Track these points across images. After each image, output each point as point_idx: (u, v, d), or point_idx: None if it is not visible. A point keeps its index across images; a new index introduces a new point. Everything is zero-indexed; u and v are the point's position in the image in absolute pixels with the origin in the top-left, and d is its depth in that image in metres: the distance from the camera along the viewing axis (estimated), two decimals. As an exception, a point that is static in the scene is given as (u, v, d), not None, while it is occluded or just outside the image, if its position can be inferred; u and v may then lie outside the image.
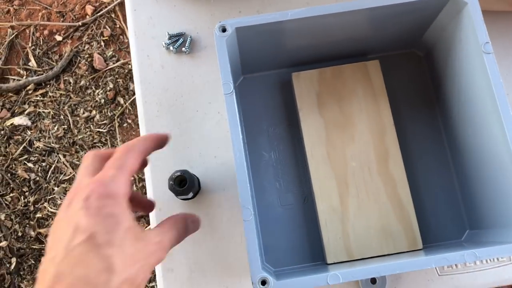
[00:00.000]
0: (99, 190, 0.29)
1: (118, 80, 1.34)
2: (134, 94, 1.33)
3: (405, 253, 0.42)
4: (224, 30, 0.39)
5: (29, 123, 1.32)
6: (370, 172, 0.44)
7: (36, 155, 1.28)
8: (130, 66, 1.35)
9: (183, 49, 0.50)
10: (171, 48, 0.50)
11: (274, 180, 0.46)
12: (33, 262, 1.21)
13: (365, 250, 0.42)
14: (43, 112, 1.32)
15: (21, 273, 1.21)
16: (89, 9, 1.40)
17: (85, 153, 1.27)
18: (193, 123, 0.48)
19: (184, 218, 0.35)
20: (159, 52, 0.50)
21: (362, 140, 0.45)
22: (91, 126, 1.31)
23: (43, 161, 1.28)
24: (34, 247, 1.22)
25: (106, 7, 1.40)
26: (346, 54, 0.48)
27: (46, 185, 1.26)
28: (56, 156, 1.29)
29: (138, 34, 0.51)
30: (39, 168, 1.28)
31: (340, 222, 0.43)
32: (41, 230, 1.22)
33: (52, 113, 1.32)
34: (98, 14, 1.39)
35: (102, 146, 1.30)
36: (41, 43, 1.38)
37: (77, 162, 1.28)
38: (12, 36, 1.38)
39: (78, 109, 1.32)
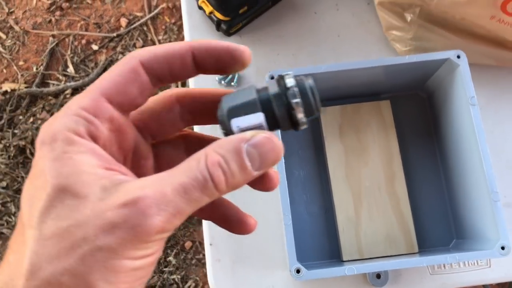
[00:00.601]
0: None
1: (148, 88, 1.47)
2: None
3: (404, 255, 0.54)
4: (272, 78, 0.51)
5: (66, 125, 1.44)
6: (379, 190, 0.56)
7: (72, 154, 1.41)
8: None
9: (232, 83, 0.62)
10: (222, 82, 0.62)
11: (302, 193, 0.58)
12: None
13: (373, 251, 0.54)
14: (79, 115, 1.45)
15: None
16: (123, 21, 1.53)
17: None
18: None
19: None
20: (212, 85, 0.62)
21: (374, 164, 0.57)
22: (122, 129, 1.44)
23: (78, 160, 1.41)
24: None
25: (139, 20, 1.53)
26: (364, 94, 0.59)
27: (80, 182, 1.39)
28: (89, 155, 1.41)
29: (195, 69, 0.64)
30: (75, 166, 1.40)
31: (354, 229, 0.55)
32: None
33: (87, 116, 1.45)
34: (132, 26, 1.52)
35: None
36: (79, 51, 1.51)
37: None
38: (53, 44, 1.51)
39: (111, 114, 1.45)
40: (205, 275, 1.19)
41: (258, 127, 0.25)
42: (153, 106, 0.27)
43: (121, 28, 1.52)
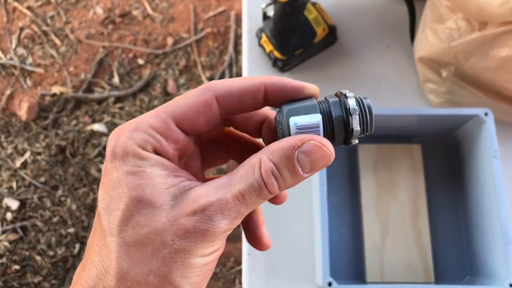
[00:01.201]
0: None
1: (186, 105, 1.56)
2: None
3: (420, 283, 0.61)
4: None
5: (106, 130, 1.54)
6: (404, 223, 0.63)
7: (109, 158, 1.50)
8: (197, 94, 1.57)
9: (281, 114, 0.70)
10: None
11: (334, 217, 0.65)
12: (93, 249, 1.41)
13: (394, 276, 0.61)
14: (119, 122, 1.55)
15: (82, 257, 1.41)
16: (169, 40, 1.64)
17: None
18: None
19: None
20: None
21: (402, 200, 0.64)
22: (157, 140, 1.53)
23: (114, 164, 1.50)
24: (95, 236, 1.43)
25: (184, 41, 1.64)
26: (398, 136, 0.67)
27: (113, 185, 1.48)
28: (124, 161, 1.50)
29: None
30: (110, 170, 1.49)
31: (379, 254, 0.62)
32: (104, 223, 1.43)
33: (125, 124, 1.55)
34: (177, 46, 1.63)
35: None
36: (125, 64, 1.62)
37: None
38: (103, 55, 1.62)
39: (148, 125, 1.55)
40: None
41: (314, 129, 0.26)
42: (192, 111, 0.27)
43: (167, 47, 1.63)
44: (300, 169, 0.25)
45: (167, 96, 1.57)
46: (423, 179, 0.65)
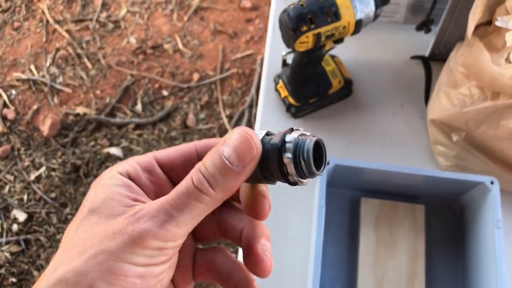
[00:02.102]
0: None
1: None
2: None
3: None
4: (328, 163, 0.60)
5: (121, 155, 1.57)
6: (400, 283, 0.61)
7: (120, 182, 1.52)
8: (215, 130, 1.60)
9: (289, 158, 0.71)
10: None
11: (330, 269, 0.64)
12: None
13: (384, 338, 0.59)
14: (135, 149, 1.58)
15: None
16: (195, 76, 1.69)
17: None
18: (283, 209, 0.68)
19: None
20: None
21: (400, 259, 0.63)
22: (169, 171, 1.55)
23: (124, 189, 1.52)
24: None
25: (209, 78, 1.69)
26: (403, 194, 0.67)
27: (120, 209, 1.49)
28: (134, 187, 1.52)
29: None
30: (119, 194, 1.51)
31: (371, 313, 0.60)
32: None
33: (141, 151, 1.57)
34: (202, 82, 1.68)
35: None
36: (150, 93, 1.67)
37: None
38: (130, 82, 1.68)
39: (163, 154, 1.57)
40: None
41: None
42: (172, 152, 0.31)
43: (192, 82, 1.68)
44: (227, 162, 0.25)
45: (185, 128, 1.60)
46: (423, 241, 0.64)
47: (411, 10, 0.77)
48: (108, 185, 0.27)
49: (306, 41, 0.55)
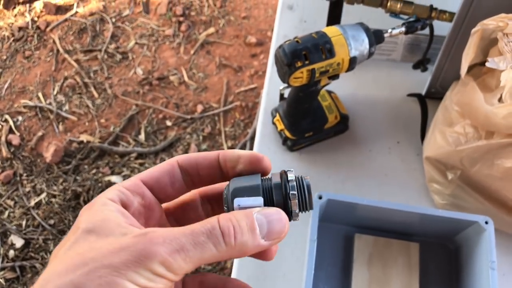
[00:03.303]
0: None
1: (203, 170, 1.59)
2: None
3: None
4: (320, 197, 0.59)
5: (122, 183, 1.57)
6: (393, 324, 0.60)
7: (119, 211, 1.52)
8: (216, 162, 1.60)
9: (284, 191, 0.71)
10: (276, 188, 0.71)
11: (322, 306, 0.63)
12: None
13: None
14: (136, 177, 1.58)
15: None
16: (199, 107, 1.71)
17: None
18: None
19: None
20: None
21: (393, 298, 0.61)
22: (169, 201, 1.54)
23: (123, 218, 1.51)
24: None
25: (213, 110, 1.71)
26: (398, 231, 0.66)
27: (117, 238, 1.48)
28: (133, 217, 1.51)
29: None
30: (118, 223, 1.50)
31: None
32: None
33: (142, 180, 1.58)
34: (205, 114, 1.70)
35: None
36: (154, 123, 1.69)
37: (148, 227, 1.50)
38: (134, 112, 1.70)
39: (164, 184, 1.57)
40: None
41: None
42: (156, 171, 0.30)
43: (196, 113, 1.70)
44: (258, 228, 0.26)
45: (187, 159, 1.61)
46: (417, 280, 0.63)
47: (408, 49, 0.78)
48: (102, 209, 0.26)
49: (300, 77, 0.56)
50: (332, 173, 0.73)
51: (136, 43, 1.86)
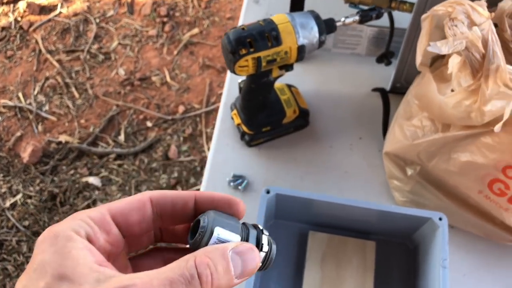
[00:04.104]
0: None
1: (183, 172, 1.57)
2: (192, 186, 1.54)
3: None
4: (268, 192, 0.57)
5: (100, 185, 1.55)
6: (344, 326, 0.57)
7: (95, 213, 1.49)
8: (196, 163, 1.58)
9: (239, 187, 0.68)
10: (231, 184, 0.69)
11: (273, 306, 0.60)
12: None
13: None
14: (114, 179, 1.56)
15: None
16: (181, 108, 1.69)
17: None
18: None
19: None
20: (221, 185, 0.69)
21: (346, 299, 0.59)
22: (147, 203, 1.51)
23: (99, 219, 1.48)
24: None
25: (195, 111, 1.69)
26: (355, 230, 0.63)
27: (93, 240, 1.45)
28: (110, 218, 1.48)
29: (213, 167, 0.71)
30: (93, 224, 1.47)
31: None
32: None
33: (120, 182, 1.55)
34: (187, 114, 1.68)
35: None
36: (134, 124, 1.67)
37: (125, 229, 1.46)
38: (115, 113, 1.68)
39: (142, 186, 1.55)
40: None
41: None
42: (127, 207, 0.29)
43: (177, 114, 1.68)
44: (232, 269, 0.26)
45: (167, 160, 1.58)
46: (372, 281, 0.60)
47: (373, 43, 0.76)
48: (69, 248, 0.25)
49: (246, 65, 0.54)
50: (291, 169, 0.70)
51: (119, 43, 1.85)
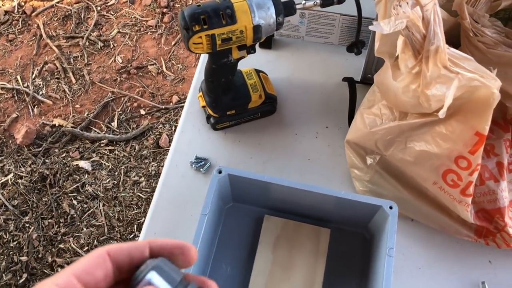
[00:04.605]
0: None
1: (172, 161, 1.57)
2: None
3: None
4: (220, 172, 0.57)
5: (90, 169, 1.56)
6: (289, 310, 0.57)
7: (83, 196, 1.51)
8: (186, 153, 1.58)
9: (202, 169, 0.68)
10: (193, 166, 0.69)
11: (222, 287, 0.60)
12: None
13: None
14: (104, 164, 1.57)
15: (25, 289, 1.37)
16: (175, 98, 1.70)
17: (121, 209, 1.47)
18: (184, 224, 0.65)
19: None
20: (184, 166, 0.69)
21: (295, 283, 0.58)
22: (135, 189, 1.53)
23: (86, 203, 1.50)
24: (45, 271, 1.39)
25: (188, 101, 1.69)
26: (313, 217, 0.63)
27: (78, 223, 1.46)
28: (97, 202, 1.50)
29: (177, 148, 0.71)
30: (80, 208, 1.49)
31: (253, 338, 0.55)
32: (57, 259, 1.40)
33: (110, 167, 1.56)
34: (180, 104, 1.68)
35: (136, 208, 1.49)
36: (128, 111, 1.68)
37: (111, 214, 1.48)
38: (109, 99, 1.69)
39: (131, 172, 1.56)
40: None
41: None
42: (89, 265, 0.29)
43: (171, 103, 1.69)
44: None
45: (158, 148, 1.59)
46: (323, 267, 0.59)
47: (346, 32, 0.76)
48: None
49: (200, 42, 0.54)
50: (254, 153, 0.70)
51: (119, 32, 1.86)
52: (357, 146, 0.64)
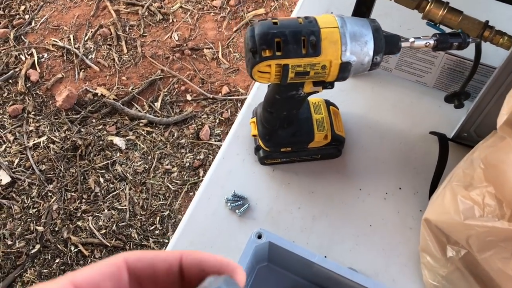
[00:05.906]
0: None
1: (209, 156, 1.47)
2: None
3: None
4: (259, 237, 0.44)
5: (124, 147, 1.48)
6: None
7: (111, 175, 1.43)
8: (225, 151, 1.47)
9: (237, 211, 0.56)
10: (229, 204, 0.57)
11: None
12: (49, 258, 1.31)
13: None
14: (140, 145, 1.49)
15: (35, 260, 1.31)
16: (224, 89, 1.58)
17: (147, 196, 1.38)
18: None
19: None
20: (217, 203, 0.57)
21: None
22: (165, 178, 1.43)
23: (112, 183, 1.42)
24: (58, 246, 1.33)
25: (238, 95, 1.57)
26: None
27: (101, 203, 1.39)
28: (124, 185, 1.42)
29: (214, 177, 0.59)
30: (106, 187, 1.41)
31: None
32: (72, 237, 1.33)
33: (145, 150, 1.48)
34: (229, 97, 1.56)
35: (163, 199, 1.40)
36: (174, 93, 1.58)
37: (136, 200, 1.40)
38: (158, 77, 1.60)
39: (165, 159, 1.46)
40: None
41: None
42: (97, 275, 0.23)
43: (220, 94, 1.57)
44: None
45: (197, 139, 1.49)
46: None
47: (446, 74, 0.60)
48: None
49: (267, 71, 0.41)
50: (304, 203, 0.57)
51: (181, 7, 1.75)
52: (439, 231, 0.50)
